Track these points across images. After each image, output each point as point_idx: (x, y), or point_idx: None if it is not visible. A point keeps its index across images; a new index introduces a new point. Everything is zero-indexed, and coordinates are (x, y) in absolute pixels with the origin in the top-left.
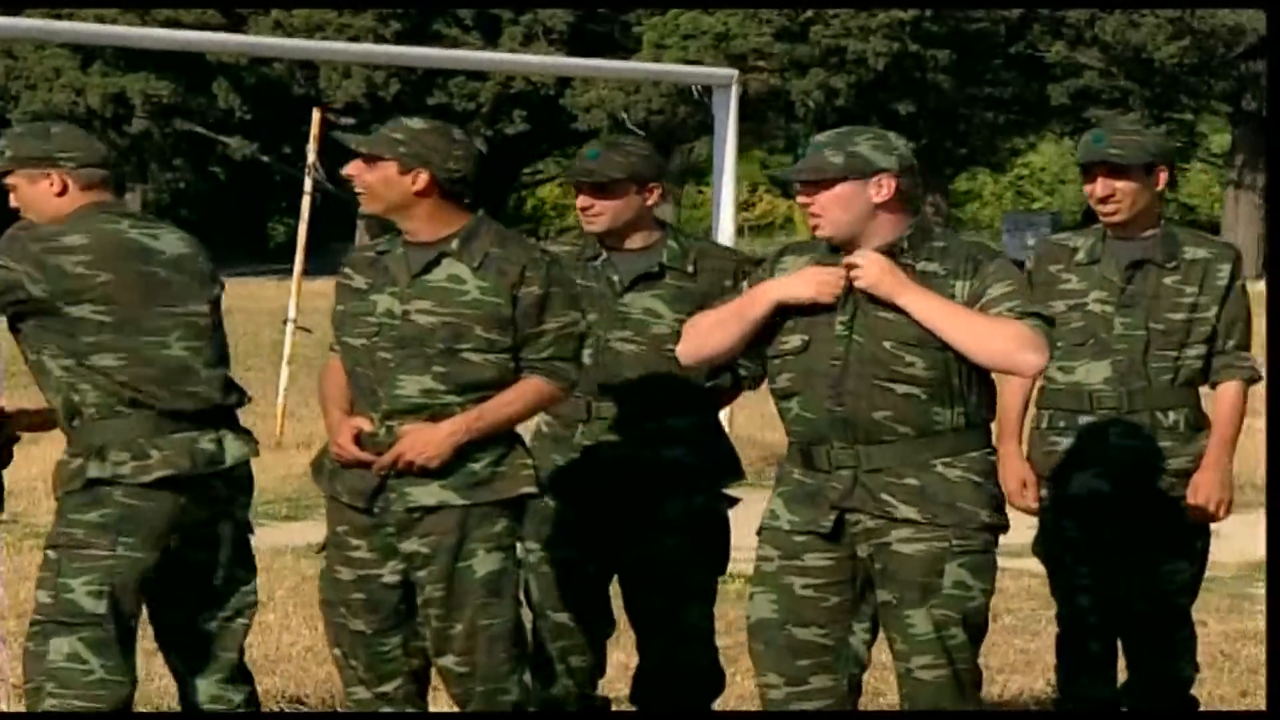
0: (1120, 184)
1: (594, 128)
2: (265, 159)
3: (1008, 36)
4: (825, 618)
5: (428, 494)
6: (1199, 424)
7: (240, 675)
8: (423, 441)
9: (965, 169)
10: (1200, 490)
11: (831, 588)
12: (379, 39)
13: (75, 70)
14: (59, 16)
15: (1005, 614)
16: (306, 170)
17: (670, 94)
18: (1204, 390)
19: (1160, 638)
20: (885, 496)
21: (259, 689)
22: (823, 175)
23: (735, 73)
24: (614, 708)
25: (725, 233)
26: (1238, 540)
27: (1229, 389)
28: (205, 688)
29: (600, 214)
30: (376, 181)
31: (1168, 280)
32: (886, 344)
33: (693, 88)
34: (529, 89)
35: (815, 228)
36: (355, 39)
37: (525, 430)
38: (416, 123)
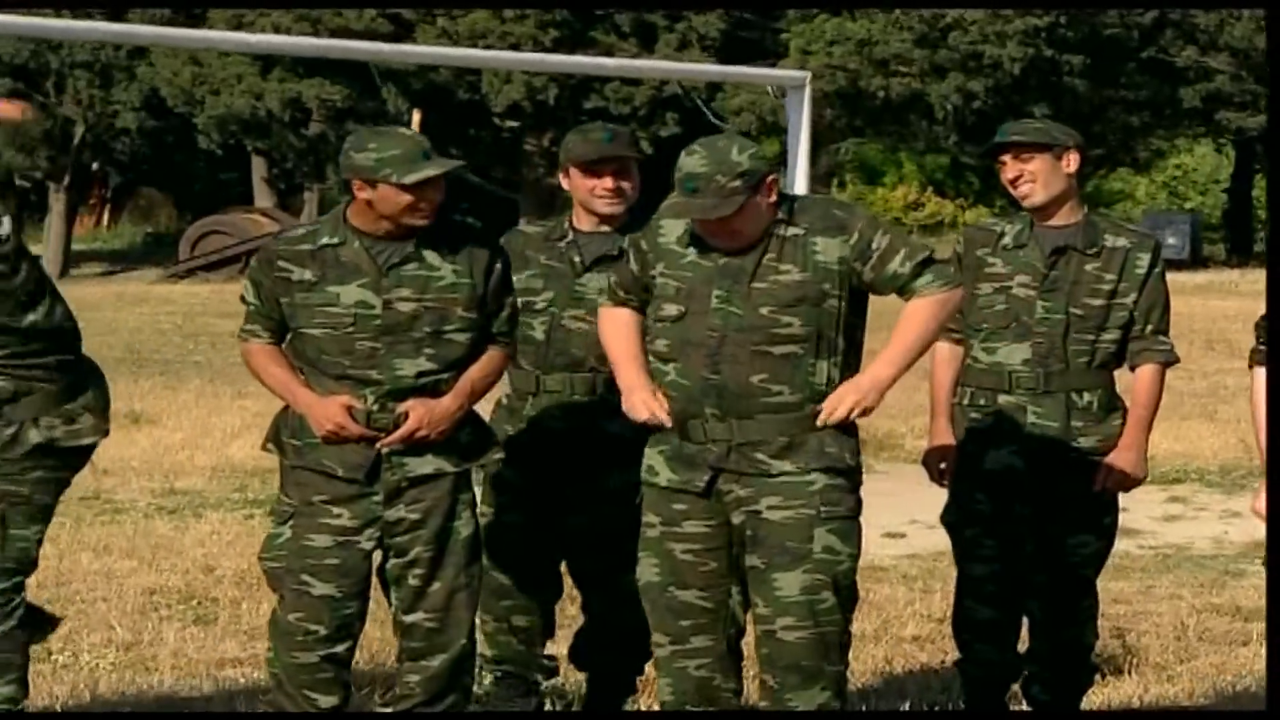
0: (1028, 165)
1: (743, 129)
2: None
3: (1140, 41)
4: (704, 581)
5: (425, 464)
6: (1112, 405)
7: None
8: (434, 416)
9: (1102, 169)
10: (1115, 468)
11: (709, 553)
12: (538, 45)
13: (255, 76)
14: (239, 27)
15: None
16: None
17: (816, 97)
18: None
19: (1063, 606)
20: (759, 456)
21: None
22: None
23: (808, 75)
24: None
25: None
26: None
27: (1147, 371)
28: None
29: (625, 195)
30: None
31: (1089, 267)
32: (764, 310)
33: (769, 88)
34: (683, 92)
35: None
36: (516, 46)
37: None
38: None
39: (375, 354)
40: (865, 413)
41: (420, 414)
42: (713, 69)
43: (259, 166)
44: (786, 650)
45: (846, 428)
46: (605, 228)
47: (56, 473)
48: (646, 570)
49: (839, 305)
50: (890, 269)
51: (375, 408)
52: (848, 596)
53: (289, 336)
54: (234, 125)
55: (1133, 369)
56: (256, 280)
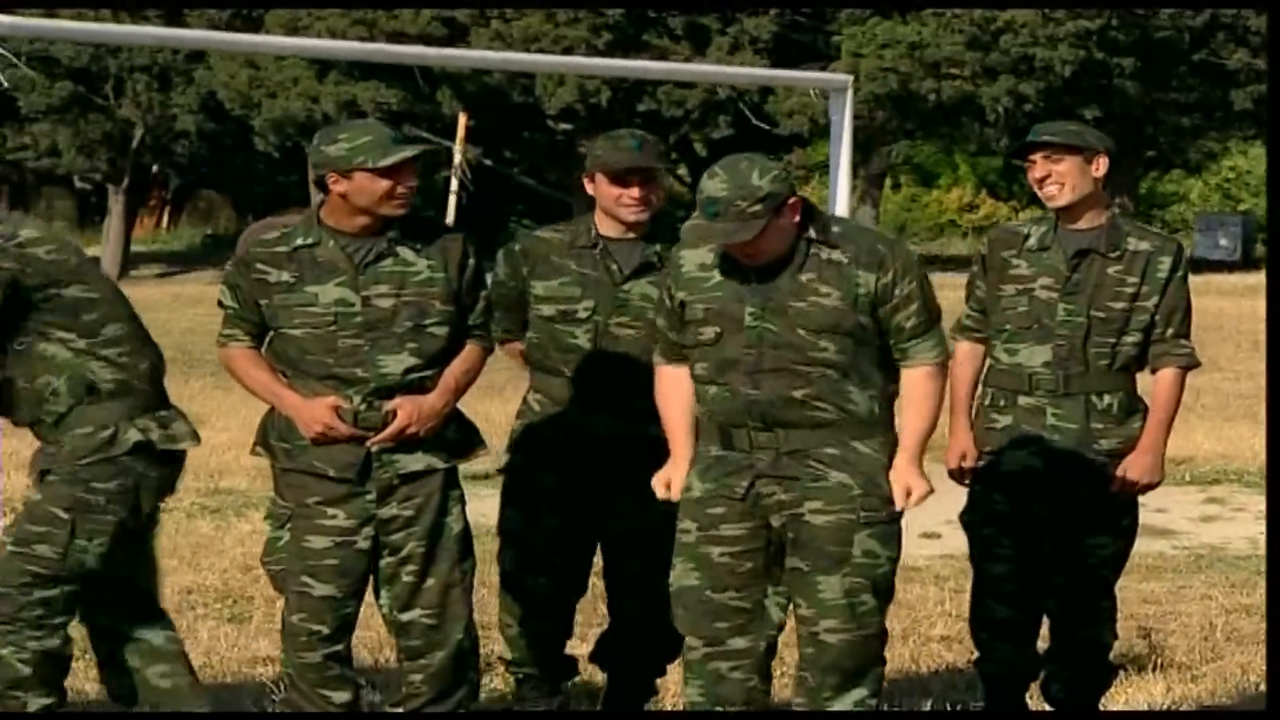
0: (1057, 166)
1: (794, 132)
2: (488, 162)
3: (1191, 44)
4: (740, 582)
5: (416, 461)
6: (1133, 408)
7: None
8: (422, 412)
9: (1153, 170)
10: (1133, 470)
11: (746, 555)
12: (591, 48)
13: (311, 79)
14: (295, 29)
15: None
16: (453, 171)
17: (867, 99)
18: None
19: (1081, 607)
20: (811, 463)
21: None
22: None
23: (850, 77)
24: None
25: None
26: None
27: (1167, 375)
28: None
29: (651, 205)
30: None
31: (1111, 270)
32: (801, 331)
33: (810, 90)
34: (734, 96)
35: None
36: (569, 49)
37: (485, 401)
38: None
39: (359, 351)
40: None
41: (409, 410)
42: (757, 72)
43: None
44: (828, 652)
45: (887, 439)
46: (631, 234)
47: (143, 482)
48: (683, 574)
49: (875, 337)
50: (897, 320)
51: (363, 406)
52: (886, 598)
53: (269, 339)
54: (290, 128)
55: (1153, 372)
56: (234, 284)
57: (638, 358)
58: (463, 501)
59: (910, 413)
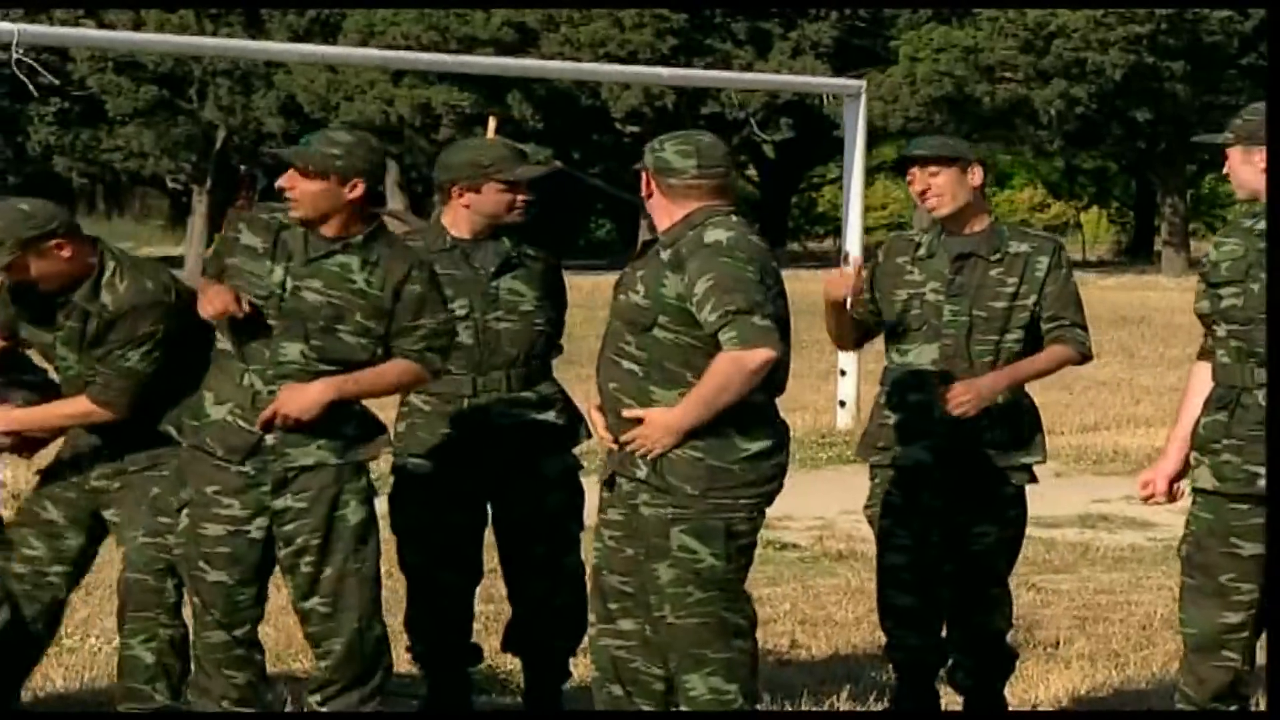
0: (935, 179)
1: None
2: (558, 164)
3: (1240, 48)
4: (624, 566)
5: (306, 454)
6: (1018, 403)
7: None
8: (297, 398)
9: (1211, 172)
10: (957, 386)
11: (625, 540)
12: (655, 53)
13: (386, 83)
14: (370, 34)
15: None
16: None
17: (924, 103)
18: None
19: (970, 594)
20: (633, 460)
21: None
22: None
23: (863, 83)
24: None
25: (854, 231)
26: None
27: (1055, 347)
28: None
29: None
30: (318, 192)
31: (992, 272)
32: (617, 323)
33: (823, 96)
34: (795, 99)
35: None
36: (634, 53)
37: (382, 406)
38: (345, 135)
39: (271, 333)
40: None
41: (286, 395)
42: (775, 79)
43: (392, 171)
44: (667, 633)
45: (708, 453)
46: (480, 234)
47: None
48: (591, 554)
49: (673, 338)
50: (702, 315)
51: (265, 392)
52: (718, 589)
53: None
54: (366, 130)
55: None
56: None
57: (517, 349)
58: (365, 494)
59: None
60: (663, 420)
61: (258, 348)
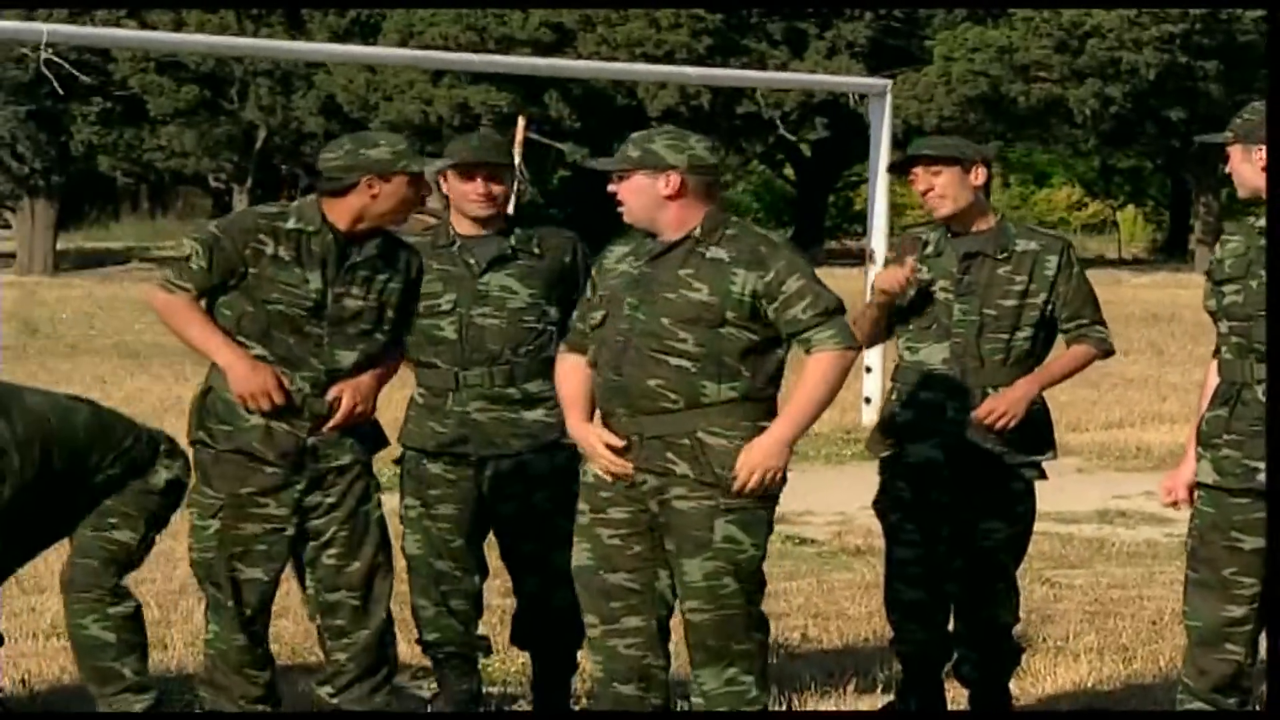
0: (937, 179)
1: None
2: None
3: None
4: (631, 564)
5: (343, 453)
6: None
7: None
8: (364, 393)
9: None
10: (989, 402)
11: (633, 537)
12: (691, 53)
13: (425, 83)
14: (409, 34)
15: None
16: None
17: (960, 102)
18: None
19: (977, 588)
20: (669, 455)
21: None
22: (621, 166)
23: (889, 82)
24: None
25: (879, 229)
26: None
27: (1077, 347)
28: None
29: (495, 198)
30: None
31: (1001, 271)
32: (664, 320)
33: (849, 95)
34: (829, 99)
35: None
36: (670, 53)
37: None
38: None
39: (319, 341)
40: (775, 477)
41: (352, 392)
42: (801, 78)
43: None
44: (695, 630)
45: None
46: (486, 230)
47: None
48: (579, 555)
49: (737, 333)
50: (792, 313)
51: (310, 389)
52: (750, 582)
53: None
54: (406, 130)
55: (1069, 346)
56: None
57: (501, 346)
58: (380, 490)
59: (799, 384)
60: (770, 441)
61: (303, 354)
